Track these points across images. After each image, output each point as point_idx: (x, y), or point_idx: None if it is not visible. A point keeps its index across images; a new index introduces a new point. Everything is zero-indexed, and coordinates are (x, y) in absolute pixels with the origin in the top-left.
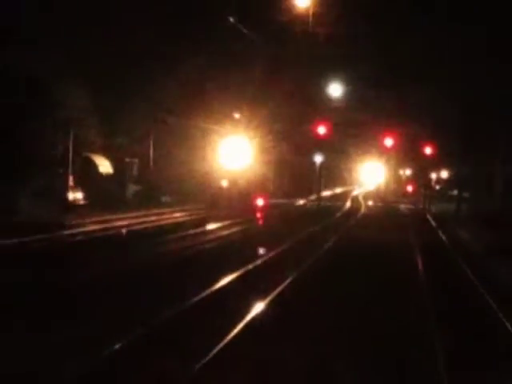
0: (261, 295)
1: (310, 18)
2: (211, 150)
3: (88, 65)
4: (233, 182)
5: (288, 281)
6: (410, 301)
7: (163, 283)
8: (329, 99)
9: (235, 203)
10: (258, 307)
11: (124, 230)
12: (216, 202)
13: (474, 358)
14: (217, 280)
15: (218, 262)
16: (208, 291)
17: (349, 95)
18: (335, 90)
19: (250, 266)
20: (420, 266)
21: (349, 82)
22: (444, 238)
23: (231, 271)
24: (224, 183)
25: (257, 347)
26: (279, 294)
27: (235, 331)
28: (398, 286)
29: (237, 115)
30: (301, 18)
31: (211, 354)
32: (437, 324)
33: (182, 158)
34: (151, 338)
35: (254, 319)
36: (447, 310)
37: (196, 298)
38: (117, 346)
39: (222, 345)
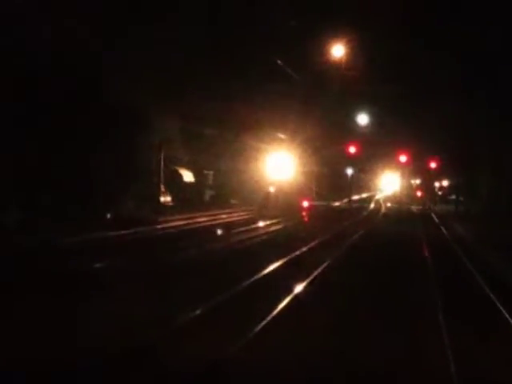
0: (328, 255)
1: (343, 64)
2: (261, 163)
3: (176, 99)
4: (278, 189)
5: (340, 250)
6: (419, 256)
7: (245, 259)
8: (358, 126)
9: (280, 205)
10: (330, 259)
11: None
12: (265, 204)
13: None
14: (296, 250)
15: (288, 242)
16: (291, 256)
17: (373, 123)
18: (362, 119)
19: (312, 244)
20: (424, 241)
21: (372, 112)
22: (441, 227)
23: (303, 245)
24: (271, 189)
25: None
26: (337, 256)
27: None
28: (410, 252)
29: (281, 136)
30: (335, 64)
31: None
32: (431, 254)
33: (241, 169)
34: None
35: (330, 263)
36: (438, 254)
37: (286, 259)
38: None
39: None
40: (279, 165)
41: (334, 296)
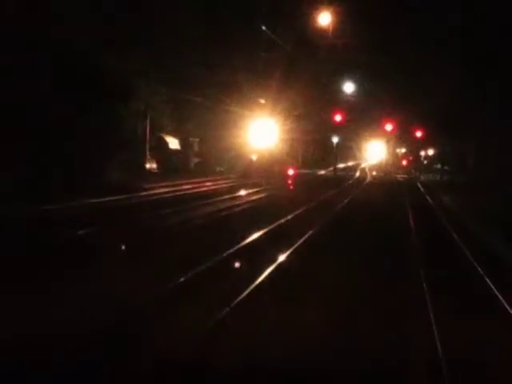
0: (321, 218)
1: (331, 32)
2: (243, 130)
3: (164, 67)
4: (262, 156)
5: (330, 215)
6: (404, 220)
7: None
8: (343, 94)
9: (263, 173)
10: (324, 221)
11: None
12: (247, 172)
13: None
14: (282, 217)
15: (274, 210)
16: (285, 219)
17: (359, 91)
18: (348, 87)
19: (298, 211)
20: (409, 209)
21: (359, 80)
22: (426, 195)
23: (293, 211)
24: (254, 157)
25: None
26: (327, 221)
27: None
28: (396, 217)
29: (263, 101)
30: (322, 31)
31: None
32: (413, 216)
33: (225, 136)
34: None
35: (325, 222)
36: (423, 218)
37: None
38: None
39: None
40: (263, 132)
41: (318, 264)
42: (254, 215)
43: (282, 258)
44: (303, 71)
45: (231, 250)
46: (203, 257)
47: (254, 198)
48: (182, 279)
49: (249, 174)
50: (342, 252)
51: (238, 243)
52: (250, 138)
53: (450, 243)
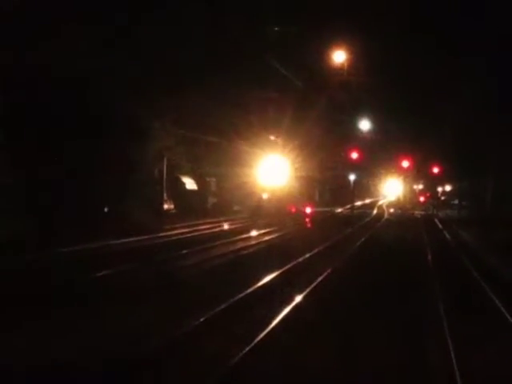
0: (341, 254)
1: (345, 70)
2: (254, 168)
3: (176, 108)
4: (271, 195)
5: (348, 252)
6: (422, 258)
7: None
8: (359, 132)
9: (272, 213)
10: (345, 257)
11: None
12: (255, 211)
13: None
14: (316, 248)
15: (298, 246)
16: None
17: (375, 128)
18: (364, 125)
19: (324, 246)
20: (427, 246)
21: (375, 117)
22: (445, 231)
23: (316, 247)
24: (264, 196)
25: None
26: (349, 256)
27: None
28: (415, 254)
29: (272, 137)
30: (336, 69)
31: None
32: (432, 253)
33: (239, 175)
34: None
35: (348, 257)
36: (441, 255)
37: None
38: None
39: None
40: (274, 170)
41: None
42: (271, 255)
43: (299, 297)
44: (316, 109)
45: (250, 290)
46: (225, 295)
47: (268, 238)
48: (209, 314)
49: (257, 213)
50: (362, 288)
51: (256, 282)
52: (260, 177)
53: (471, 282)
